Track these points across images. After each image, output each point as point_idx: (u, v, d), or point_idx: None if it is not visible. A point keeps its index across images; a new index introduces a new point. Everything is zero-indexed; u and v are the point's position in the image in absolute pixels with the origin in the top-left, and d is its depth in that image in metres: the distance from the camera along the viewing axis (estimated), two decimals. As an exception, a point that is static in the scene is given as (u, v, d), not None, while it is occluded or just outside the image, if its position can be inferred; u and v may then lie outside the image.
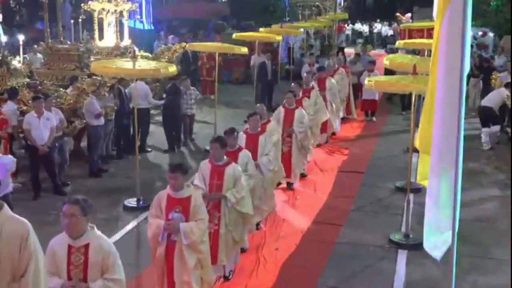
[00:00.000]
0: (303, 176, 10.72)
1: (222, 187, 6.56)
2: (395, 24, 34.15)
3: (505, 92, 12.97)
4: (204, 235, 5.78)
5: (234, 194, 6.57)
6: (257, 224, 8.11)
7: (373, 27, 36.91)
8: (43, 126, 9.56)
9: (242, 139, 7.93)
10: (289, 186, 10.15)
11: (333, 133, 13.80)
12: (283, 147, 9.57)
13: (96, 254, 4.45)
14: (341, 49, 25.83)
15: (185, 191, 5.76)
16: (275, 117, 10.02)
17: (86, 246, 4.45)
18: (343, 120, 15.15)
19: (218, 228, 6.62)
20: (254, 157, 7.69)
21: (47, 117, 9.64)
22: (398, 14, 33.69)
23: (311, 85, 12.17)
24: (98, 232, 4.59)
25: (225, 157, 6.64)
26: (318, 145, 12.61)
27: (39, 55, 16.49)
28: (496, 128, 12.83)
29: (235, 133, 7.26)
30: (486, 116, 12.96)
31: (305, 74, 13.06)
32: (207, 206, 6.28)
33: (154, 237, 5.78)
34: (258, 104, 9.56)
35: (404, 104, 16.10)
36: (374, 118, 15.77)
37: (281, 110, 10.23)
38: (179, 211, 5.68)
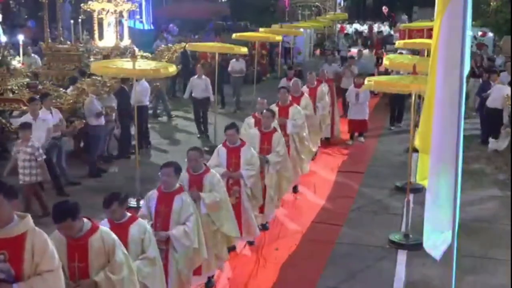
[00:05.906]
0: (265, 228, 8.27)
1: (89, 269, 4.38)
2: (397, 25, 34.16)
3: (505, 90, 12.67)
4: None
5: (107, 275, 4.37)
6: None
7: (373, 24, 36.85)
8: (39, 127, 9.49)
9: (153, 198, 5.79)
10: (250, 244, 7.79)
11: (294, 188, 9.85)
12: (230, 199, 6.75)
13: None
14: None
15: (14, 227, 3.59)
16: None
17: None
18: (326, 140, 12.97)
19: None
20: (166, 226, 5.64)
21: (43, 118, 9.60)
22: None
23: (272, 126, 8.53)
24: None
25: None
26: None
27: (34, 56, 16.35)
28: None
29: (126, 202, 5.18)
30: (495, 122, 12.42)
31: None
32: None
33: None
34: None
35: (394, 117, 14.88)
36: (362, 139, 13.50)
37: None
38: (4, 260, 3.54)
